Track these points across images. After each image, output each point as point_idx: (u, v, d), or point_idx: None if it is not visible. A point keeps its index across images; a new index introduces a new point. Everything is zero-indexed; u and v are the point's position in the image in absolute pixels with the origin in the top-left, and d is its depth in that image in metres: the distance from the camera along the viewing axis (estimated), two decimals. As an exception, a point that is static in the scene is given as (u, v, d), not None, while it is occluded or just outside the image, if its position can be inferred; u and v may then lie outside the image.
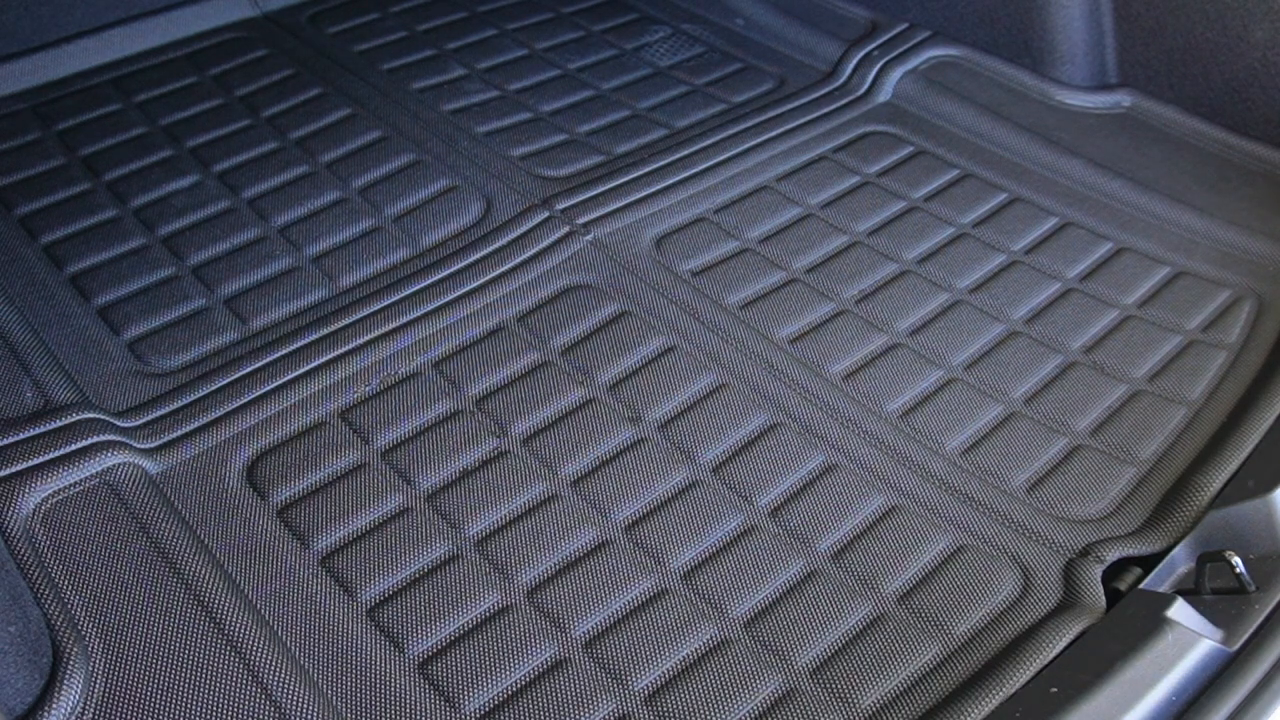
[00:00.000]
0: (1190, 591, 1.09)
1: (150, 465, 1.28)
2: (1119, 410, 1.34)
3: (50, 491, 1.24)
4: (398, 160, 1.74)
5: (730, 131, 1.78)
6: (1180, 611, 1.03)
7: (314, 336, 1.43)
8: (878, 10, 2.02)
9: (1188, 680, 0.99)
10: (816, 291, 1.52)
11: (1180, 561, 1.15)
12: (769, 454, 1.30)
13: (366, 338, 1.43)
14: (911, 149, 1.77)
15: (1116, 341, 1.43)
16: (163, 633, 1.11)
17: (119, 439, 1.29)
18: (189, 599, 1.15)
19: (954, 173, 1.71)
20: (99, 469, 1.26)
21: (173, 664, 1.09)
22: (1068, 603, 1.13)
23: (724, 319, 1.47)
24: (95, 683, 1.07)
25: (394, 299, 1.49)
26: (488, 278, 1.52)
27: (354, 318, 1.46)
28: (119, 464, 1.27)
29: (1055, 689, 1.00)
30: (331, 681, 1.08)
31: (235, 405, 1.34)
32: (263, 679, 1.08)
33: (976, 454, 1.30)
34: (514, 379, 1.40)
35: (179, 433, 1.32)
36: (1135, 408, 1.34)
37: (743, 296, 1.51)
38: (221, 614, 1.13)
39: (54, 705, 1.03)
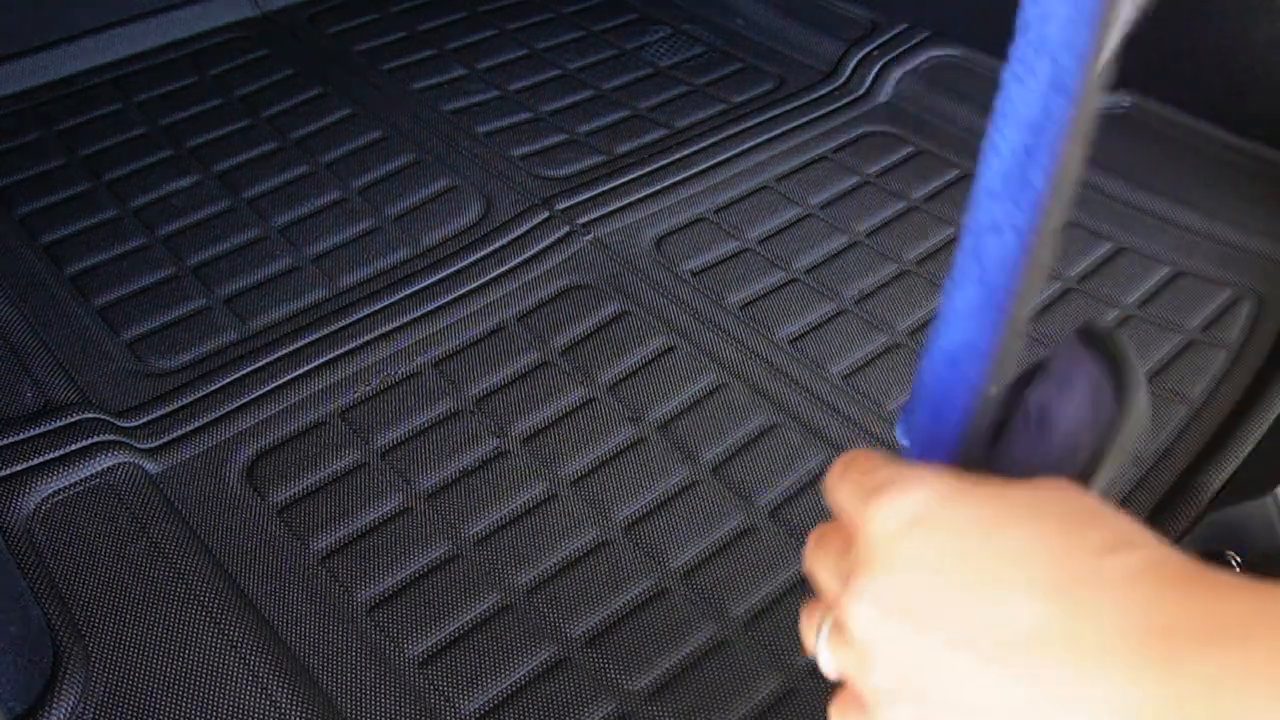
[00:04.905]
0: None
1: (150, 465, 1.28)
2: (1119, 410, 1.34)
3: (50, 491, 1.24)
4: (398, 160, 1.74)
5: (730, 131, 1.78)
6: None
7: (314, 336, 1.43)
8: (878, 10, 2.02)
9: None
10: (817, 291, 1.52)
11: (1180, 561, 1.15)
12: (769, 454, 1.30)
13: (366, 338, 1.43)
14: (911, 149, 1.77)
15: (1116, 341, 1.43)
16: (163, 633, 1.12)
17: (119, 439, 1.29)
18: (189, 599, 1.15)
19: (954, 173, 1.72)
20: (99, 469, 1.26)
21: (173, 664, 1.09)
22: (1068, 602, 1.12)
23: (724, 319, 1.47)
24: (95, 683, 1.07)
25: (394, 299, 1.49)
26: (488, 278, 1.53)
27: (354, 318, 1.46)
28: (119, 464, 1.27)
29: (1055, 689, 0.99)
30: (332, 681, 1.08)
31: (235, 405, 1.35)
32: (263, 678, 1.08)
33: (976, 454, 1.30)
34: (514, 379, 1.40)
35: (179, 433, 1.32)
36: (1135, 407, 1.34)
37: (743, 296, 1.51)
38: (221, 614, 1.13)
39: (54, 705, 1.04)
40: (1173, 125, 1.75)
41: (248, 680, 1.08)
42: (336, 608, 1.15)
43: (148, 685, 1.07)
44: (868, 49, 1.93)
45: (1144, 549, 0.40)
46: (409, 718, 1.06)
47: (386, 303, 1.48)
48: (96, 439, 1.28)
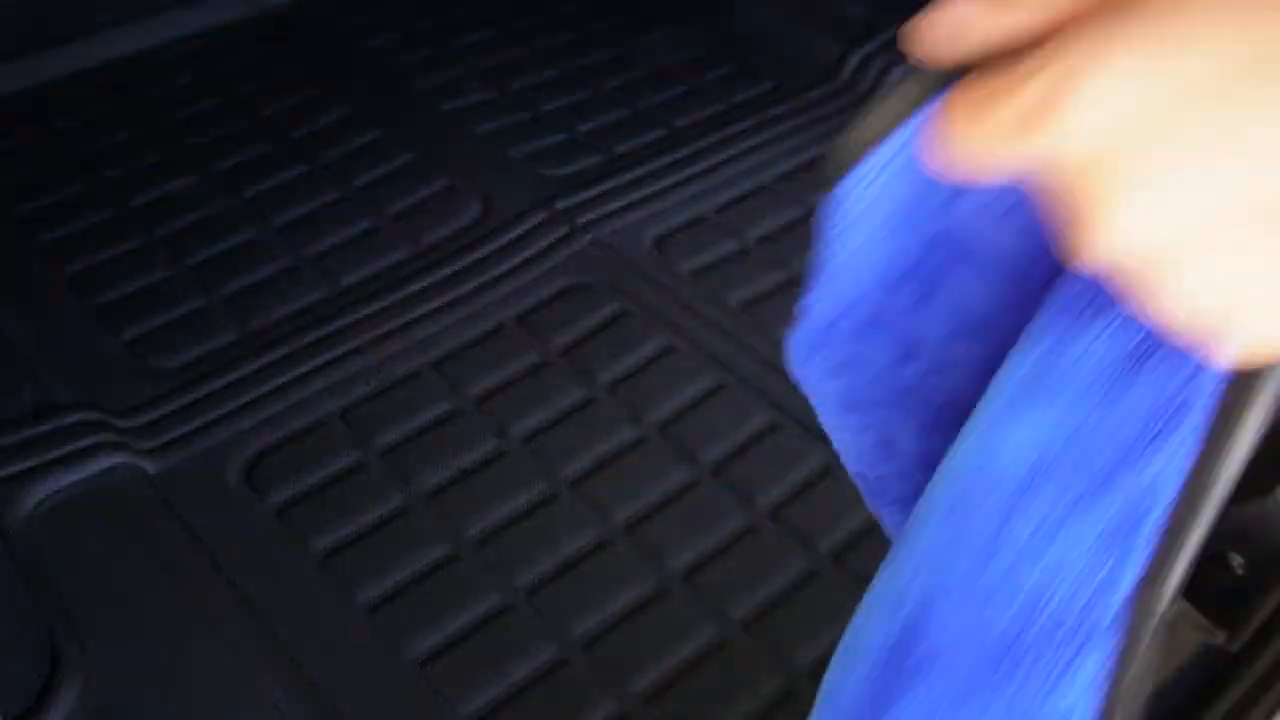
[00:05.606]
0: (1190, 591, 1.09)
1: (150, 465, 1.28)
2: (1119, 410, 1.34)
3: (50, 492, 1.24)
4: (397, 160, 1.74)
5: (730, 131, 1.78)
6: (1180, 611, 1.03)
7: (314, 336, 1.43)
8: (877, 10, 2.02)
9: (1188, 680, 0.99)
10: (816, 291, 1.51)
11: (1181, 561, 1.14)
12: (769, 454, 1.30)
13: (366, 338, 1.43)
14: (911, 149, 1.77)
15: (1117, 341, 1.43)
16: (162, 633, 1.11)
17: (119, 439, 1.29)
18: (188, 599, 1.15)
19: (954, 172, 1.71)
20: (99, 469, 1.26)
21: (172, 664, 1.09)
22: (1068, 603, 1.12)
23: (724, 319, 1.47)
24: (93, 683, 1.07)
25: (394, 299, 1.49)
26: (487, 277, 1.52)
27: (354, 317, 1.46)
28: (119, 464, 1.27)
29: (1056, 689, 1.00)
30: (331, 681, 1.08)
31: (235, 405, 1.34)
32: (262, 679, 1.08)
33: (977, 454, 1.30)
34: (514, 379, 1.39)
35: (179, 433, 1.32)
36: (1136, 408, 1.34)
37: (743, 296, 1.51)
38: (221, 614, 1.13)
39: (52, 706, 1.04)
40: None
41: (247, 681, 1.08)
42: (336, 608, 1.15)
43: (147, 686, 1.07)
44: (868, 49, 1.93)
45: None
46: (409, 718, 1.06)
47: (386, 302, 1.48)
48: (95, 439, 1.28)
